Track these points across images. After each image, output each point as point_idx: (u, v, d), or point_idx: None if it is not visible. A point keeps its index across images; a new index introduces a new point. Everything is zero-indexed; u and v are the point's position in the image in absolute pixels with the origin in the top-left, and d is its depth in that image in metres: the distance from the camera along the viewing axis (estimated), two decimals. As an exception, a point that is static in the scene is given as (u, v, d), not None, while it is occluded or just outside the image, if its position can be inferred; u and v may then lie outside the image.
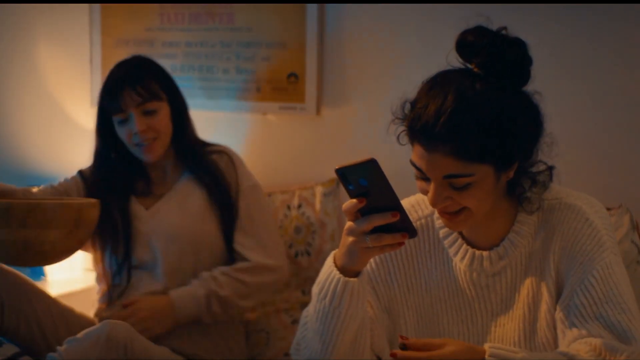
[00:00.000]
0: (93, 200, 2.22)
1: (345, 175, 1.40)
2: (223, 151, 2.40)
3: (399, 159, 2.50)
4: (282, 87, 2.63)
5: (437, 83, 1.51)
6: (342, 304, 1.52)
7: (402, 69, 2.48)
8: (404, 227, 1.43)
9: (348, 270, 1.51)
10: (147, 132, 2.26)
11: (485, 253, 1.60)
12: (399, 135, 1.57)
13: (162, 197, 2.37)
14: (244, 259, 2.33)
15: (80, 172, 2.43)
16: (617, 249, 1.58)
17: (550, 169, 1.59)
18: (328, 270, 1.54)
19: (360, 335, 1.58)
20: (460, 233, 1.63)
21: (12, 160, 3.12)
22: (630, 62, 2.21)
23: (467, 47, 1.53)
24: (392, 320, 1.68)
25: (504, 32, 1.54)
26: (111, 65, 2.83)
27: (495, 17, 2.32)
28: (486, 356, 1.43)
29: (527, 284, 1.58)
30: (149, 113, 2.27)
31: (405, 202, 1.71)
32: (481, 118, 1.44)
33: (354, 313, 1.54)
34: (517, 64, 1.51)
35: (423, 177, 1.52)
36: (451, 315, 1.64)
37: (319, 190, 2.57)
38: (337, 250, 1.54)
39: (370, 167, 1.37)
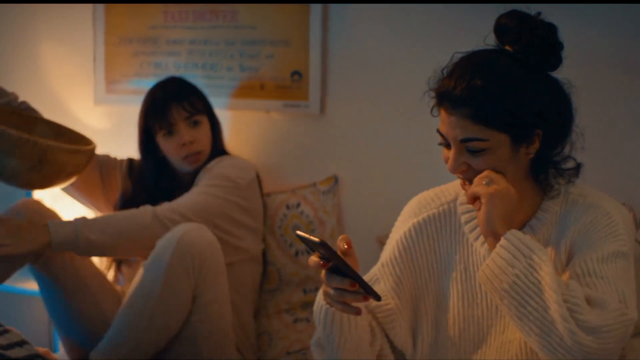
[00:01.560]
0: (91, 147, 2.37)
1: (304, 241, 1.48)
2: (227, 156, 2.53)
3: (400, 157, 2.52)
4: (285, 85, 2.63)
5: (467, 56, 1.61)
6: (334, 332, 1.62)
7: (405, 68, 2.47)
8: (368, 292, 1.49)
9: None
10: (193, 143, 2.44)
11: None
12: (432, 108, 1.65)
13: None
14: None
15: (131, 161, 2.61)
16: (631, 247, 1.60)
17: (579, 166, 1.65)
18: (318, 298, 1.64)
19: (360, 350, 1.66)
20: None
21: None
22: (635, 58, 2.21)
23: (500, 29, 1.62)
24: (414, 308, 1.75)
25: (538, 16, 1.61)
26: (115, 63, 2.88)
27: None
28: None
29: None
30: (194, 125, 2.45)
31: (430, 192, 1.79)
32: (499, 87, 1.53)
33: (346, 337, 1.62)
34: (546, 46, 1.58)
35: (446, 143, 1.60)
36: (465, 299, 1.69)
37: (317, 188, 2.57)
38: None
39: (322, 245, 1.44)
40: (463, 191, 1.65)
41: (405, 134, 2.49)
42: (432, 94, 1.63)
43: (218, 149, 2.53)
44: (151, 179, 2.53)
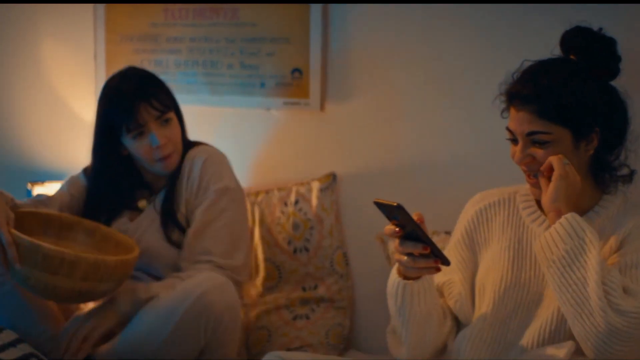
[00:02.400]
0: (137, 250, 2.19)
1: (380, 208, 1.65)
2: (203, 151, 2.36)
3: (400, 155, 2.52)
4: (286, 82, 2.63)
5: (536, 63, 1.83)
6: (405, 304, 1.79)
7: (406, 66, 2.47)
8: (438, 256, 1.66)
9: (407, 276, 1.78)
10: (167, 144, 2.27)
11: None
12: (502, 110, 1.87)
13: (144, 210, 2.38)
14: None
15: (85, 172, 2.44)
16: None
17: (632, 173, 1.87)
18: (392, 273, 1.82)
19: (427, 325, 1.83)
20: (542, 210, 1.85)
21: (17, 156, 3.12)
22: None
23: (566, 42, 1.86)
24: (472, 282, 1.93)
25: (600, 31, 1.85)
26: (116, 61, 2.87)
27: (502, 16, 2.34)
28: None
29: None
30: (165, 123, 2.28)
31: (491, 190, 2.00)
32: (563, 87, 1.74)
33: (417, 309, 1.80)
34: (607, 58, 1.82)
35: (514, 139, 1.81)
36: (515, 265, 1.86)
37: (315, 185, 2.57)
38: None
39: (398, 210, 1.61)
40: (523, 187, 1.89)
41: (405, 132, 2.49)
42: (503, 97, 1.84)
43: (185, 142, 2.38)
44: (113, 182, 2.36)
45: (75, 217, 2.33)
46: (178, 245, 2.30)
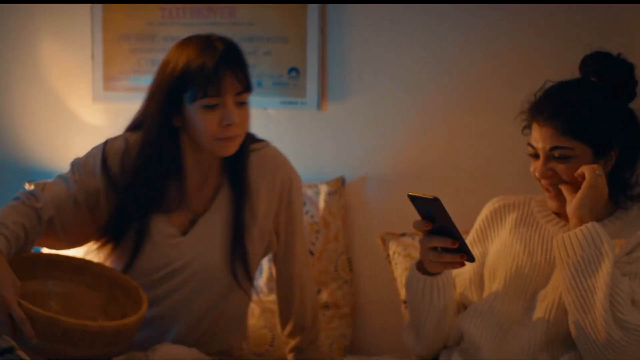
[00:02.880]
0: (145, 298, 1.96)
1: (415, 201, 1.69)
2: (281, 168, 2.14)
3: (399, 155, 2.50)
4: (283, 82, 2.62)
5: (558, 83, 1.92)
6: (425, 299, 1.87)
7: (403, 65, 2.46)
8: (464, 252, 1.72)
9: (429, 271, 1.85)
10: (238, 126, 1.98)
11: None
12: (524, 127, 1.94)
13: (201, 217, 2.06)
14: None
15: (104, 163, 2.07)
16: None
17: None
18: (411, 269, 1.89)
19: (444, 318, 1.91)
20: (558, 216, 1.95)
21: (15, 156, 3.10)
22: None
23: (586, 65, 1.94)
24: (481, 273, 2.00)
25: (619, 56, 1.93)
26: (113, 60, 2.86)
27: (502, 15, 2.33)
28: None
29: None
30: (241, 104, 1.99)
31: (507, 195, 2.06)
32: (585, 106, 1.83)
33: (436, 304, 1.87)
34: (625, 81, 1.91)
35: (535, 154, 1.88)
36: (527, 251, 1.93)
37: (323, 189, 2.54)
38: None
39: (434, 203, 1.66)
40: (539, 195, 1.97)
41: (404, 132, 2.48)
42: (525, 115, 1.92)
43: (247, 135, 2.10)
44: (158, 153, 2.01)
45: (62, 255, 2.07)
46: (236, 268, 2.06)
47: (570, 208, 1.81)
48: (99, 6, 2.87)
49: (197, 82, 1.94)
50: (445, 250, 1.74)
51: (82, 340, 1.84)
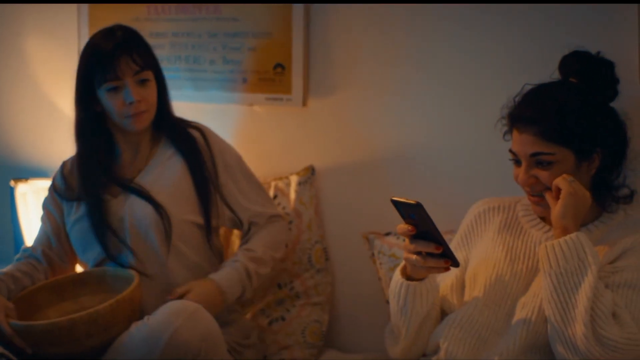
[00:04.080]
0: (137, 281, 2.09)
1: (398, 206, 1.68)
2: (197, 127, 2.36)
3: (381, 151, 2.48)
4: (268, 77, 2.60)
5: (537, 86, 1.86)
6: (407, 304, 1.84)
7: (387, 62, 2.44)
8: (449, 257, 1.70)
9: (412, 276, 1.83)
10: (141, 102, 2.21)
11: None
12: (505, 133, 1.91)
13: (137, 175, 2.29)
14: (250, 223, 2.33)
15: (52, 182, 2.37)
16: None
17: (632, 193, 1.89)
18: (396, 275, 1.87)
19: (425, 325, 1.89)
20: (543, 220, 1.92)
21: (0, 153, 3.10)
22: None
23: (565, 66, 1.90)
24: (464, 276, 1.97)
25: (598, 55, 1.90)
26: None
27: (480, 12, 2.31)
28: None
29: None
30: (142, 82, 2.22)
31: (494, 198, 2.03)
32: (565, 109, 1.77)
33: (419, 310, 1.85)
34: (605, 80, 1.87)
35: (517, 160, 1.84)
36: (509, 257, 1.90)
37: (293, 179, 2.53)
38: None
39: (417, 208, 1.64)
40: (525, 198, 1.92)
41: (385, 127, 2.46)
42: (505, 120, 1.88)
43: (165, 110, 2.33)
44: (88, 135, 2.28)
45: (84, 272, 2.28)
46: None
47: (553, 218, 1.76)
48: (85, 4, 2.85)
49: (98, 69, 2.20)
50: (430, 255, 1.71)
51: (61, 337, 1.96)
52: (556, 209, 1.75)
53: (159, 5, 2.73)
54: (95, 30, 2.81)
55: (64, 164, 2.41)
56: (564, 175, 1.77)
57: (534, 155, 1.79)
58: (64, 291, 2.24)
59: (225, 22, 2.64)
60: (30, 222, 2.78)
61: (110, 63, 2.17)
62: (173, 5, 2.71)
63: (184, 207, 2.25)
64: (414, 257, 1.73)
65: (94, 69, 2.20)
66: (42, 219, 2.39)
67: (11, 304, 2.07)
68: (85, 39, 2.86)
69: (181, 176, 2.28)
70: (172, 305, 1.99)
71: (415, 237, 1.71)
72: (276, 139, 2.63)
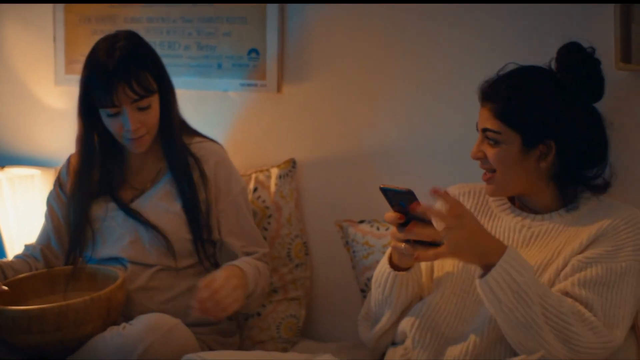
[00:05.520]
0: (119, 282, 2.08)
1: (387, 193, 1.64)
2: (213, 151, 2.28)
3: (359, 139, 2.45)
4: (242, 63, 2.56)
5: (517, 67, 1.87)
6: (392, 294, 1.83)
7: (363, 48, 2.40)
8: (438, 245, 1.64)
9: (398, 265, 1.81)
10: (139, 129, 2.15)
11: (531, 215, 1.87)
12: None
13: (141, 195, 2.25)
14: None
15: (57, 179, 2.34)
16: None
17: (607, 185, 1.87)
18: (382, 264, 1.85)
19: (405, 313, 1.87)
20: (512, 204, 1.92)
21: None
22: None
23: (559, 58, 1.88)
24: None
25: (589, 50, 1.88)
26: (75, 43, 2.80)
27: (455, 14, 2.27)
28: (496, 266, 1.64)
29: (552, 247, 1.80)
30: (142, 109, 2.14)
31: (464, 184, 2.01)
32: (522, 93, 1.79)
33: (403, 300, 1.84)
34: (588, 78, 1.85)
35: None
36: None
37: (274, 172, 2.48)
38: None
39: (407, 195, 1.60)
40: None
41: (362, 116, 2.42)
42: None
43: (170, 130, 2.23)
44: (92, 151, 2.23)
45: (78, 266, 2.25)
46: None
47: (461, 259, 1.75)
48: (60, -11, 2.81)
49: (97, 92, 2.12)
50: (418, 243, 1.67)
51: (30, 325, 1.96)
52: (450, 251, 1.66)
53: (134, -10, 2.69)
54: (70, 15, 2.80)
55: (70, 158, 2.35)
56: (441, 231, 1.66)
57: (484, 130, 1.83)
58: (54, 284, 2.23)
59: (199, 6, 2.59)
60: (6, 211, 2.75)
61: (108, 90, 2.09)
62: (148, -10, 2.67)
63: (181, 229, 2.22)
64: (402, 245, 1.69)
65: (94, 88, 2.13)
66: (45, 215, 2.35)
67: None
68: (60, 25, 2.84)
69: (178, 215, 2.22)
70: (150, 319, 1.96)
71: (403, 226, 1.66)
72: (252, 126, 2.59)
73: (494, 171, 1.84)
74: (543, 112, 1.78)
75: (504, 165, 1.82)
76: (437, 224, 1.66)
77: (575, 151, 1.81)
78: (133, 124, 2.12)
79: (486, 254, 1.65)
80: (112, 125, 2.16)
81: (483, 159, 1.85)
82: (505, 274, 1.62)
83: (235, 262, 2.14)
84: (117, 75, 2.08)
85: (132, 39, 2.17)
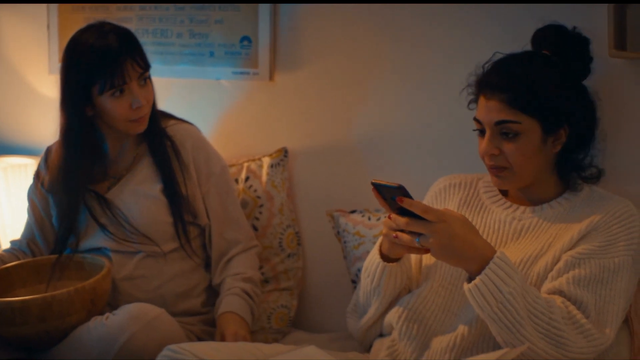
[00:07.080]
0: (104, 272, 2.07)
1: (379, 189, 1.63)
2: (188, 133, 2.28)
3: (351, 128, 2.43)
4: (235, 51, 2.54)
5: (508, 55, 1.80)
6: (381, 284, 1.80)
7: (356, 37, 2.37)
8: None
9: (388, 256, 1.77)
10: (146, 106, 2.15)
11: (522, 207, 1.83)
12: (470, 102, 1.85)
13: (117, 183, 2.24)
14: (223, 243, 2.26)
15: (36, 173, 2.33)
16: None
17: (600, 172, 1.84)
18: (372, 254, 1.82)
19: (394, 304, 1.85)
20: (505, 196, 1.88)
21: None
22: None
23: (538, 39, 1.85)
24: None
25: (574, 29, 1.85)
26: (68, 30, 2.76)
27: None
28: (485, 270, 1.60)
29: (543, 239, 1.77)
30: (144, 83, 2.15)
31: (457, 174, 1.98)
32: (536, 77, 1.71)
33: (392, 291, 1.82)
34: (579, 56, 1.82)
35: (482, 129, 1.77)
36: None
37: (266, 161, 2.46)
38: None
39: (399, 190, 1.59)
40: (487, 177, 1.87)
41: (354, 105, 2.40)
42: (472, 89, 1.82)
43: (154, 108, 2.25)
44: (75, 142, 2.19)
45: (64, 255, 2.23)
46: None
47: (447, 263, 1.69)
48: (54, -24, 2.80)
49: (103, 76, 2.09)
50: (412, 234, 1.64)
51: (14, 317, 1.96)
52: (440, 258, 1.65)
53: (127, -23, 2.67)
54: (64, 5, 2.78)
55: (48, 150, 2.33)
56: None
57: (499, 123, 1.72)
58: (41, 273, 2.22)
59: (192, -7, 2.59)
60: (-1, 200, 2.74)
61: (116, 69, 2.08)
62: (141, -23, 2.65)
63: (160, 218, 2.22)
64: (394, 233, 1.65)
65: (93, 73, 2.10)
66: (27, 210, 2.35)
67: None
68: (54, 13, 2.82)
69: (157, 199, 2.21)
70: (133, 308, 1.96)
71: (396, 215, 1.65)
72: (244, 115, 2.57)
73: (504, 167, 1.77)
74: (557, 95, 1.73)
75: (523, 157, 1.74)
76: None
77: (578, 134, 1.77)
78: (142, 99, 2.12)
79: (469, 260, 1.61)
80: (117, 107, 2.12)
81: (496, 156, 1.76)
82: (490, 283, 1.59)
83: (233, 309, 2.13)
84: (123, 51, 2.10)
85: (110, 23, 2.19)
